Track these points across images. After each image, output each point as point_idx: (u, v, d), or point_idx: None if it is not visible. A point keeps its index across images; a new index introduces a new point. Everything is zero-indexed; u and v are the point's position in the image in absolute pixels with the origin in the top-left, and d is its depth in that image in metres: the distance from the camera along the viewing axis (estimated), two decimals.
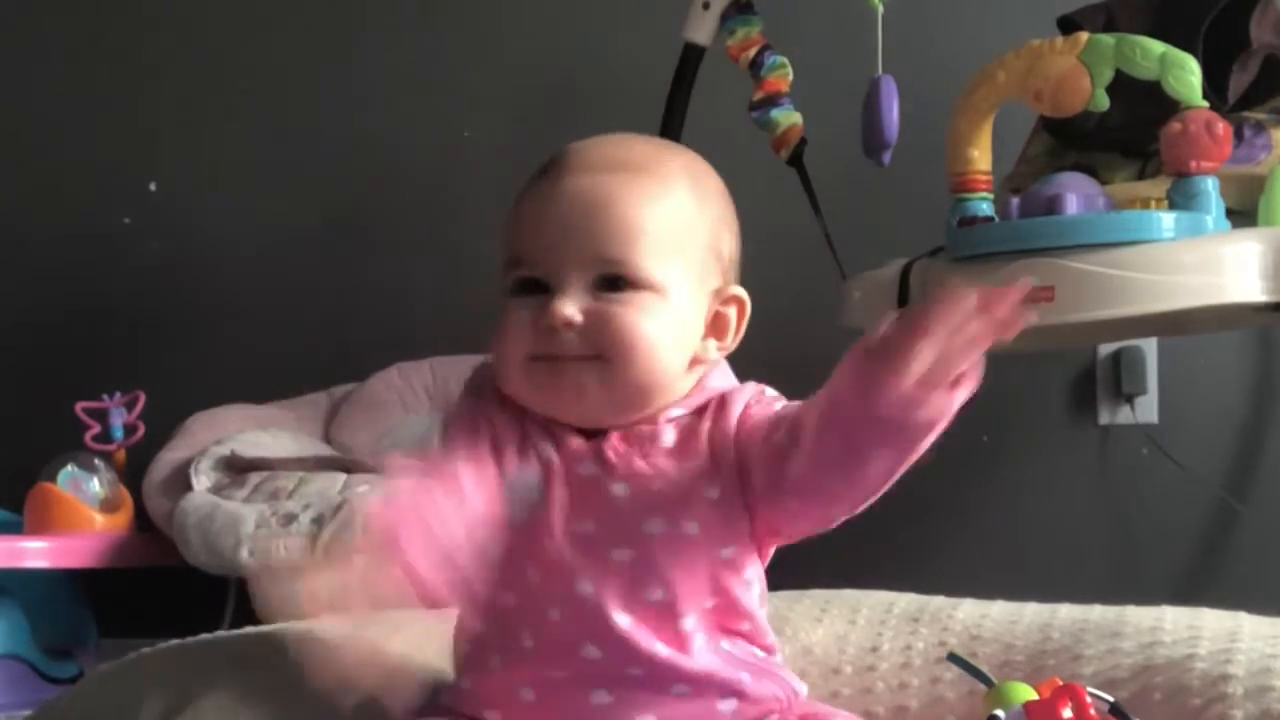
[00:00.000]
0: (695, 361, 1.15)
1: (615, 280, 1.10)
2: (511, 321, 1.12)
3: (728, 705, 1.11)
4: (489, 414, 1.15)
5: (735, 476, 1.11)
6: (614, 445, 1.12)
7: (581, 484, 1.12)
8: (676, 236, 1.12)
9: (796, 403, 1.13)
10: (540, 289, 1.11)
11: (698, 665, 1.10)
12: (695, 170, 1.17)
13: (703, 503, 1.11)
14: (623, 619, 1.09)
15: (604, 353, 1.10)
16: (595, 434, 1.13)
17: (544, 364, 1.11)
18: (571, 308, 1.09)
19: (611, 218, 1.10)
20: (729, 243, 1.17)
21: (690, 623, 1.10)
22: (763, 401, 1.15)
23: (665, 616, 1.10)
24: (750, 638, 1.15)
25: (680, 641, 1.10)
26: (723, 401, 1.14)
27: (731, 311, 1.16)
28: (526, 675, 1.11)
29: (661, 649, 1.09)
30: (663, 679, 1.10)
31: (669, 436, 1.13)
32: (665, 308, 1.11)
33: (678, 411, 1.14)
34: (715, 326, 1.16)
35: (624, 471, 1.11)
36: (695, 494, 1.11)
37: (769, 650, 1.16)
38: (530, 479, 1.13)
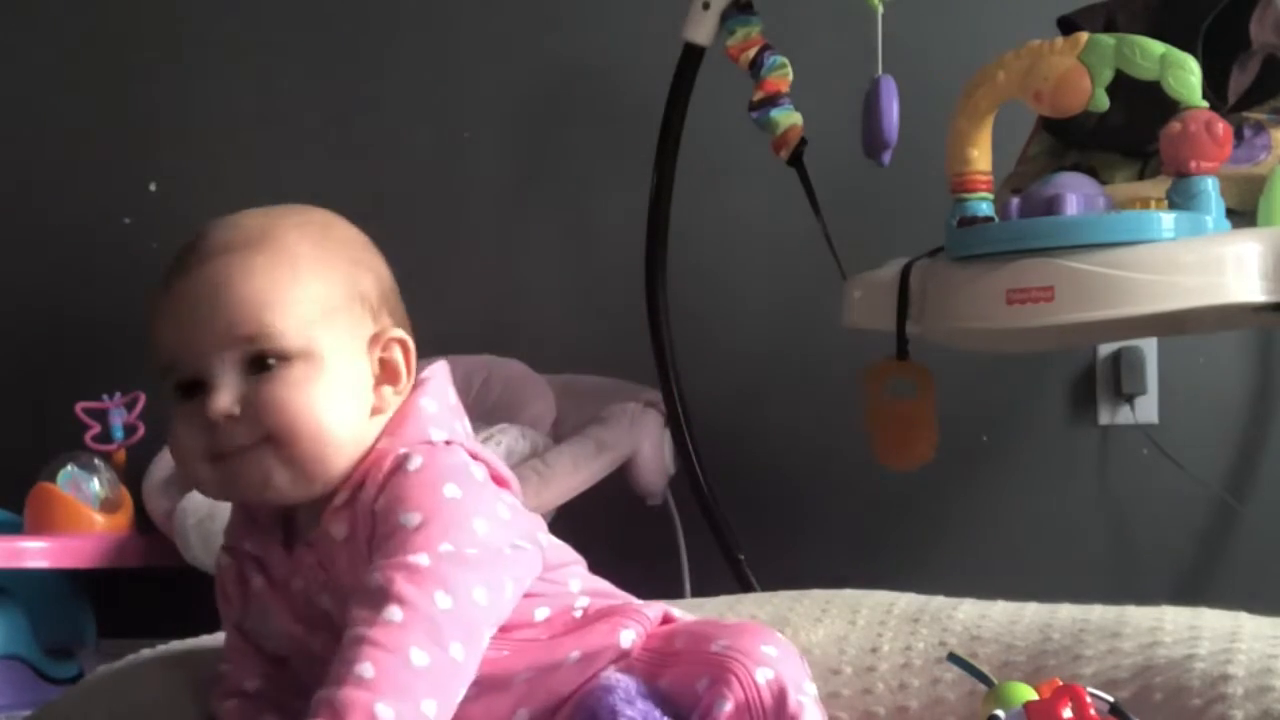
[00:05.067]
0: (376, 412, 1.14)
1: (261, 359, 1.09)
2: (180, 429, 1.12)
3: (573, 655, 1.13)
4: (219, 562, 1.20)
5: None
6: (304, 562, 1.13)
7: (296, 601, 1.14)
8: (310, 299, 1.12)
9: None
10: (197, 389, 1.11)
11: (498, 670, 1.10)
12: (311, 227, 1.16)
13: None
14: None
15: (271, 435, 1.09)
16: (294, 546, 1.14)
17: (225, 462, 1.10)
18: (226, 399, 1.09)
19: (236, 295, 1.10)
20: (373, 285, 1.16)
21: None
22: (383, 494, 1.10)
23: None
24: (552, 612, 1.15)
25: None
26: (364, 481, 1.11)
27: (397, 353, 1.16)
28: None
29: None
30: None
31: (339, 530, 1.11)
32: (320, 373, 1.11)
33: (341, 497, 1.12)
34: (386, 373, 1.15)
35: (318, 587, 1.12)
36: None
37: (595, 596, 1.18)
38: (258, 618, 1.17)
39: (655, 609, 1.19)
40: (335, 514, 1.12)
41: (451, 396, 1.19)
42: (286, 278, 1.11)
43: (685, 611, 1.23)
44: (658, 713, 1.09)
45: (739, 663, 1.09)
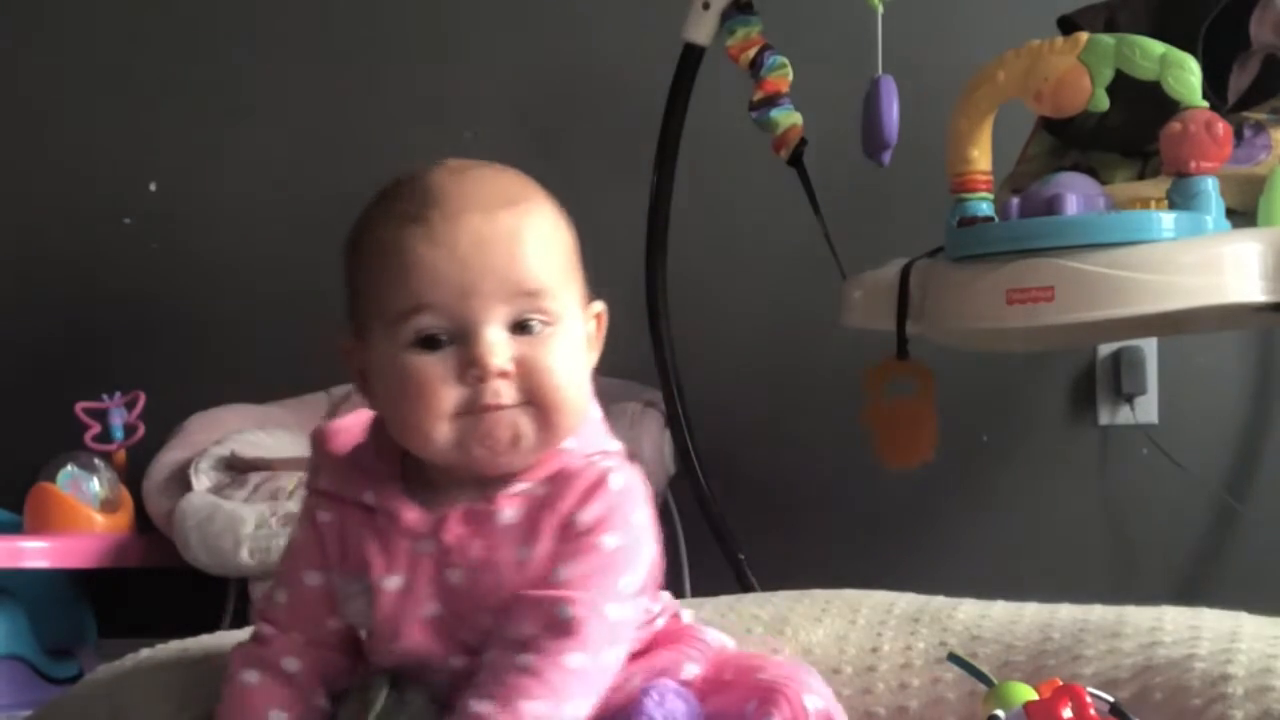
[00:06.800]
0: None
1: (526, 321, 1.08)
2: (429, 380, 1.07)
3: (636, 679, 1.12)
4: (315, 516, 1.14)
5: None
6: (452, 528, 1.09)
7: (422, 565, 1.10)
8: (568, 264, 1.12)
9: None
10: (439, 341, 1.07)
11: None
12: (547, 194, 1.14)
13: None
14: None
15: (535, 398, 1.07)
16: (433, 508, 1.11)
17: (473, 419, 1.07)
18: (503, 355, 1.06)
19: (526, 253, 1.08)
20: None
21: None
22: (586, 507, 1.09)
23: None
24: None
25: None
26: (564, 484, 1.10)
27: (593, 326, 1.16)
28: None
29: None
30: None
31: (509, 514, 1.09)
32: (573, 339, 1.11)
33: (521, 486, 1.10)
34: (589, 344, 1.15)
35: (459, 558, 1.09)
36: (537, 578, 1.07)
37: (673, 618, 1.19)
38: (354, 583, 1.12)
39: (714, 637, 1.20)
40: (512, 499, 1.09)
41: None
42: (558, 240, 1.11)
43: (720, 635, 1.24)
44: (682, 709, 1.09)
45: (788, 686, 1.10)
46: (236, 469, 2.30)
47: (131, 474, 2.43)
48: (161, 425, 2.46)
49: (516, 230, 1.08)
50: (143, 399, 2.48)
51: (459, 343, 1.07)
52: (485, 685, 1.03)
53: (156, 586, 2.41)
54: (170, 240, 2.80)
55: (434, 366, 1.07)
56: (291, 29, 2.80)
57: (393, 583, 1.10)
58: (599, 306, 1.16)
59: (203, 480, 2.28)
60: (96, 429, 2.46)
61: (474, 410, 1.06)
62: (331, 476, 1.14)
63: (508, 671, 1.03)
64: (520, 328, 1.08)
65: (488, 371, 1.06)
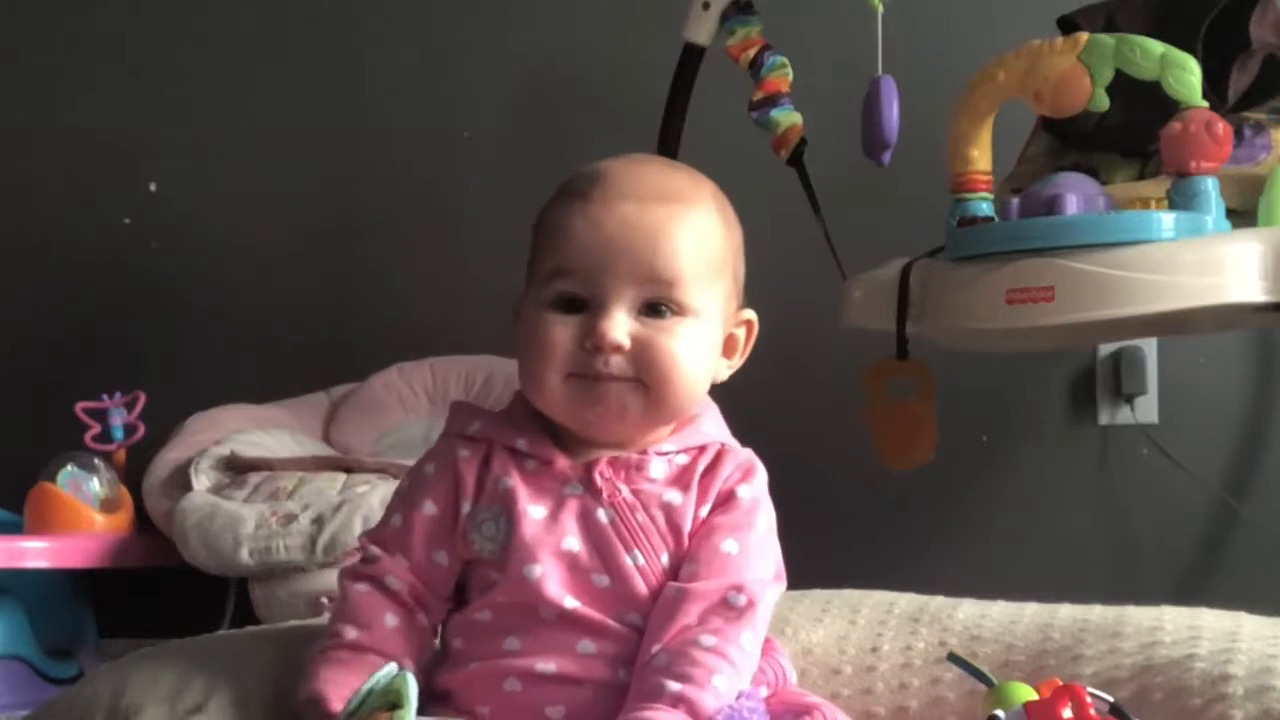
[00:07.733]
0: (712, 381, 1.21)
1: (657, 305, 1.15)
2: (552, 337, 1.15)
3: None
4: (456, 454, 1.19)
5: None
6: (601, 472, 1.17)
7: (569, 503, 1.16)
8: (714, 264, 1.18)
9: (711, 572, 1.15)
10: (577, 306, 1.15)
11: None
12: (721, 200, 1.22)
13: (685, 536, 1.16)
14: (603, 643, 1.13)
15: (646, 378, 1.15)
16: (580, 455, 1.18)
17: (585, 382, 1.15)
18: (621, 331, 1.14)
19: (667, 245, 1.15)
20: (742, 267, 1.23)
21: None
22: (748, 484, 1.19)
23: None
24: None
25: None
26: (719, 456, 1.20)
27: (741, 332, 1.23)
28: (512, 669, 1.14)
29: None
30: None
31: (658, 469, 1.18)
32: (701, 333, 1.17)
33: (668, 446, 1.19)
34: (728, 347, 1.22)
35: (608, 498, 1.16)
36: (681, 527, 1.16)
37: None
38: (489, 511, 1.17)
39: (788, 663, 1.24)
40: (661, 456, 1.18)
41: None
42: (709, 240, 1.18)
43: None
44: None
45: (823, 706, 1.17)
46: (236, 469, 2.30)
47: (131, 474, 2.43)
48: (161, 425, 2.46)
49: (664, 222, 1.16)
50: (143, 399, 2.48)
51: (589, 312, 1.15)
52: (672, 667, 1.09)
53: (156, 586, 2.41)
54: (170, 240, 2.80)
55: (563, 327, 1.16)
56: (291, 29, 2.80)
57: (538, 511, 1.16)
58: (749, 314, 1.23)
59: (203, 480, 2.28)
60: (96, 429, 2.46)
61: (586, 375, 1.15)
62: (484, 425, 1.21)
63: (692, 652, 1.10)
64: (652, 311, 1.16)
65: (603, 342, 1.14)
